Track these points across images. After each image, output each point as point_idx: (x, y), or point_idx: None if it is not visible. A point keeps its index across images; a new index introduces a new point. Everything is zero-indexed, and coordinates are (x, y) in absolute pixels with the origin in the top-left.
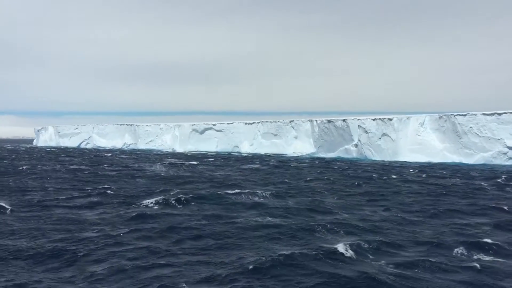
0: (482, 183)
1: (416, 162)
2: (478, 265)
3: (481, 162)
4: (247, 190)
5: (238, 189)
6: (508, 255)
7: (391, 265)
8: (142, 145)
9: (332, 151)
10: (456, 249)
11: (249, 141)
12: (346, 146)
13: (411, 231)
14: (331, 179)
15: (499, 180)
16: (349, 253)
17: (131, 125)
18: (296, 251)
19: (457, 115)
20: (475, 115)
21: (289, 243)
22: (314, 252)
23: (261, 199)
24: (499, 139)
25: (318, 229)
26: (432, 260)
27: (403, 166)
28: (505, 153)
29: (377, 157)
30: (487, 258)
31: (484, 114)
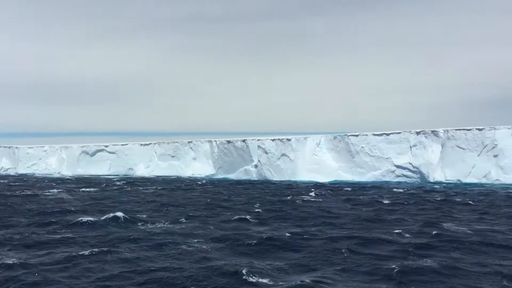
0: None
1: (315, 182)
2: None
3: (372, 180)
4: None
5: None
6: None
7: None
8: (22, 169)
9: (232, 172)
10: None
11: (145, 163)
12: (246, 167)
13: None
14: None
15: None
16: None
17: (9, 147)
18: None
19: (350, 135)
20: (366, 135)
21: None
22: None
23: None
24: (387, 158)
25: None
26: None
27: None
28: (393, 171)
29: (276, 177)
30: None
31: (374, 134)
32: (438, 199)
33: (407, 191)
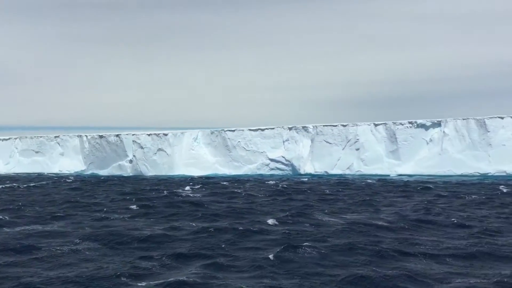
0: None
1: (192, 176)
2: None
3: (249, 173)
4: None
5: None
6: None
7: None
8: None
9: (104, 168)
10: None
11: (4, 159)
12: (120, 162)
13: None
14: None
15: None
16: None
17: None
18: None
19: (227, 130)
20: (243, 130)
21: None
22: None
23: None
24: (262, 152)
25: None
26: None
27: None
28: (267, 165)
29: (152, 172)
30: None
31: (250, 129)
32: (305, 189)
33: (279, 183)
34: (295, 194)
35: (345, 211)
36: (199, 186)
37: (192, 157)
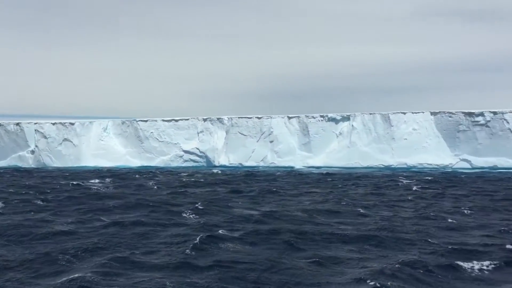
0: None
1: (101, 167)
2: None
3: (161, 165)
4: None
5: None
6: None
7: None
8: None
9: (2, 159)
10: None
11: None
12: (21, 153)
13: None
14: None
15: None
16: None
17: None
18: None
19: (139, 120)
20: (156, 121)
21: None
22: None
23: None
24: (176, 144)
25: None
26: None
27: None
28: (181, 156)
29: (57, 163)
30: None
31: (164, 120)
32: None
33: (192, 175)
34: (210, 185)
35: (259, 202)
36: (109, 179)
37: (101, 148)
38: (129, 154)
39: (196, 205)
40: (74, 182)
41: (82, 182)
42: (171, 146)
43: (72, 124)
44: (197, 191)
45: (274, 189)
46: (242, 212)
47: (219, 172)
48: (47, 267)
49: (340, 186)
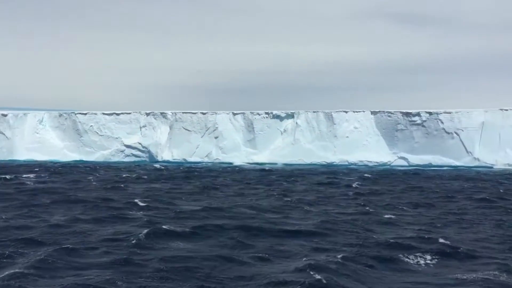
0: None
1: (35, 161)
2: None
3: (101, 160)
4: None
5: None
6: None
7: None
8: None
9: None
10: None
11: None
12: None
13: None
14: None
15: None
16: None
17: None
18: None
19: (78, 113)
20: (96, 114)
21: None
22: None
23: None
24: (117, 138)
25: None
26: None
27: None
28: (122, 151)
29: None
30: None
31: (104, 113)
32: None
33: (134, 170)
34: (153, 181)
35: (202, 198)
36: (44, 173)
37: (37, 141)
38: (67, 148)
39: (137, 200)
40: (7, 177)
41: (15, 177)
42: (112, 140)
43: (5, 115)
44: (138, 187)
45: (217, 186)
46: (186, 208)
47: (162, 167)
48: None
49: (284, 183)
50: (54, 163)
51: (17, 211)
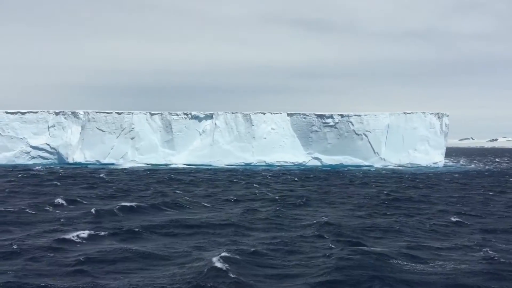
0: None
1: None
2: None
3: (4, 162)
4: None
5: None
6: None
7: None
8: None
9: None
10: None
11: None
12: None
13: None
14: None
15: None
16: None
17: None
18: None
19: None
20: None
21: None
22: None
23: None
24: (22, 138)
25: None
26: None
27: None
28: (28, 152)
29: None
30: None
31: (7, 112)
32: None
33: (40, 173)
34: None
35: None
36: None
37: None
38: None
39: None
40: None
41: None
42: (16, 141)
43: None
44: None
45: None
46: (102, 207)
47: (63, 169)
48: None
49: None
50: None
51: None
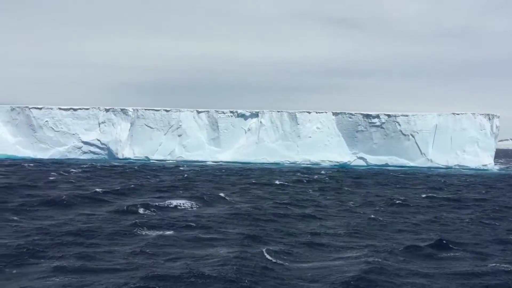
0: None
1: None
2: None
3: (57, 156)
4: None
5: None
6: None
7: None
8: None
9: None
10: None
11: None
12: None
13: None
14: None
15: None
16: None
17: None
18: None
19: (32, 108)
20: (51, 109)
21: None
22: None
23: None
24: (74, 134)
25: None
26: None
27: None
28: (80, 148)
29: None
30: None
31: (60, 108)
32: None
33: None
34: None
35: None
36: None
37: None
38: (20, 144)
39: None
40: None
41: None
42: (68, 136)
43: None
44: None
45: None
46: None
47: (116, 164)
48: None
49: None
50: (3, 159)
51: None
